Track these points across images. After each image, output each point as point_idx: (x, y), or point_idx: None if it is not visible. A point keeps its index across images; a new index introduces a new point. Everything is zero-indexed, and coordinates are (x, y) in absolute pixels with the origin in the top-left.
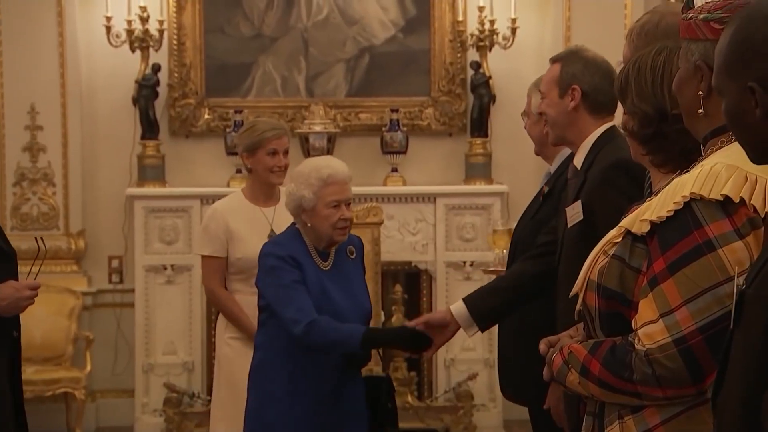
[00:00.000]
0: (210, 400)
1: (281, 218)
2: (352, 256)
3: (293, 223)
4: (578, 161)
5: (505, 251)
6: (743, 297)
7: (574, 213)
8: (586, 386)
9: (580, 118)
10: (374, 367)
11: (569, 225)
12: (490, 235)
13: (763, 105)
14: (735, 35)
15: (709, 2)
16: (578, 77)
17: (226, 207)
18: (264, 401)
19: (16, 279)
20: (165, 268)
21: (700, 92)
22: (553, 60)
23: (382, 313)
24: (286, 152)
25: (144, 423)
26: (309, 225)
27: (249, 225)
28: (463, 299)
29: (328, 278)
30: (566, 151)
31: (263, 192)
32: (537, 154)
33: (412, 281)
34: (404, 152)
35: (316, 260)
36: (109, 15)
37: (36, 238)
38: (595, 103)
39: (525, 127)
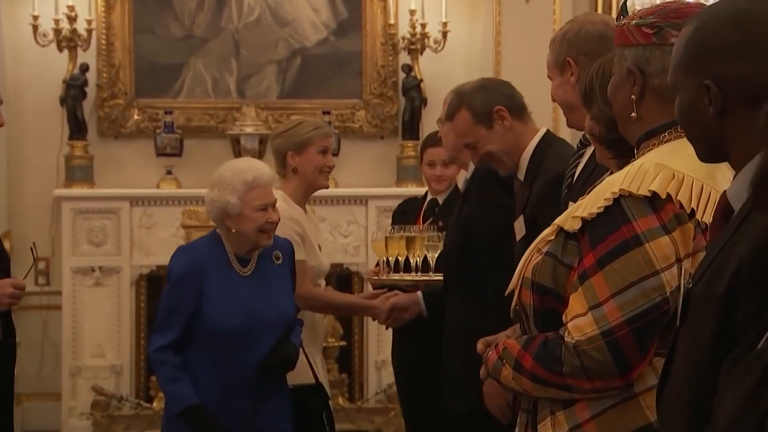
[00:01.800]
0: (138, 403)
1: (311, 224)
2: (278, 261)
3: (214, 229)
4: (521, 174)
5: (388, 258)
6: (689, 295)
7: (519, 228)
8: (519, 381)
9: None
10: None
11: (517, 239)
12: (380, 242)
13: (716, 103)
14: (694, 33)
15: (641, 9)
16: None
17: (290, 209)
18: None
19: None
20: (93, 270)
21: (633, 96)
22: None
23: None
24: (332, 152)
25: (71, 426)
26: (234, 231)
27: (310, 231)
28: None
29: (248, 284)
30: None
31: (306, 195)
32: (450, 162)
33: (344, 283)
34: (336, 154)
35: (235, 266)
36: (36, 14)
37: (30, 247)
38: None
39: (439, 135)
